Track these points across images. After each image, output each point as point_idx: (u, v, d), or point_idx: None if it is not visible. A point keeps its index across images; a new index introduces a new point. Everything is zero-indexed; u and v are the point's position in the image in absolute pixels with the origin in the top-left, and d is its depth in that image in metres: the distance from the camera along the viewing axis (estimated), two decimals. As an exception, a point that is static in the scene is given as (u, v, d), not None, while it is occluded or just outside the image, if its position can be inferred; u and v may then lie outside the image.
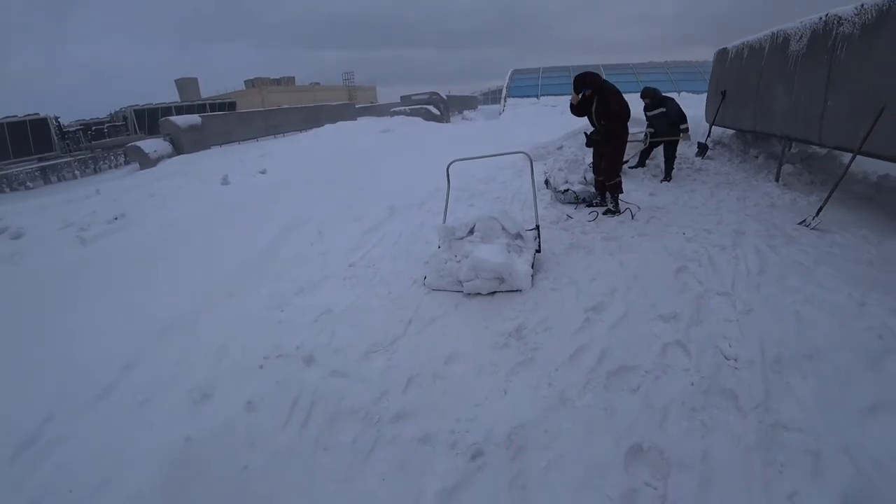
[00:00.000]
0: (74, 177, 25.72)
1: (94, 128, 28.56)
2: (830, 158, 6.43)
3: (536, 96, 24.97)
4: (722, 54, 9.19)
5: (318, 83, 72.29)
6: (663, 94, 7.18)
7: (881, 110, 4.22)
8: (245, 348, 3.01)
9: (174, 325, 3.54)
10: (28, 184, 25.28)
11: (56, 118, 27.56)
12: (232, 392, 2.57)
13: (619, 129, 5.10)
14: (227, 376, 2.73)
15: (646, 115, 7.27)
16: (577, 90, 5.02)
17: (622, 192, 5.32)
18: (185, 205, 8.06)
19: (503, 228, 3.99)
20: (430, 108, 27.41)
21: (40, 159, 25.88)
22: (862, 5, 4.85)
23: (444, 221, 4.36)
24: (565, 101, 5.88)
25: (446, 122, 26.97)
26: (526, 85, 26.44)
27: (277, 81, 67.96)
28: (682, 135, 6.82)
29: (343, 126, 22.42)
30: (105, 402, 2.73)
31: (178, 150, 20.91)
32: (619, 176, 5.30)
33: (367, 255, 4.62)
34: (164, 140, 21.29)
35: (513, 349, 2.75)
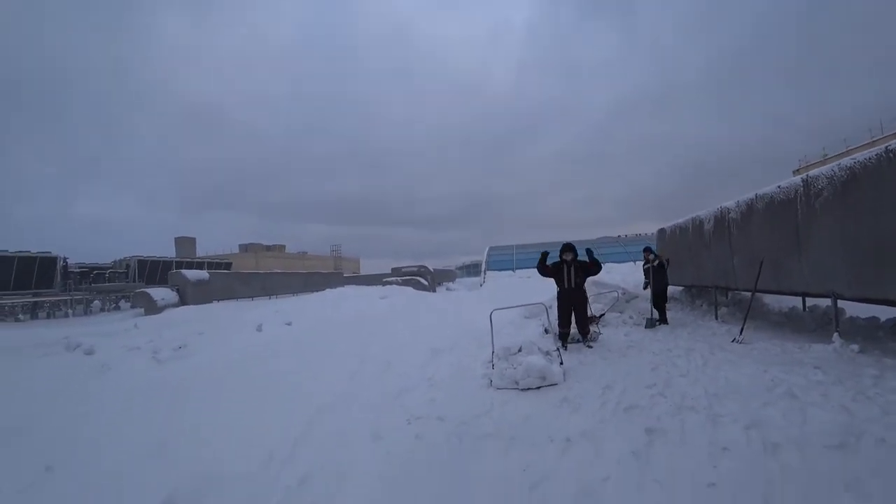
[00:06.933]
0: (66, 315, 26.61)
1: (94, 272, 30.85)
2: (754, 300, 8.85)
3: (512, 269, 28.12)
4: (661, 231, 12.29)
5: (305, 252, 77.63)
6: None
7: (761, 263, 6.68)
8: (392, 414, 4.64)
9: (331, 403, 5.20)
10: (20, 316, 25.84)
11: (65, 259, 29.81)
12: (399, 433, 4.17)
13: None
14: (391, 427, 4.33)
15: (645, 267, 9.77)
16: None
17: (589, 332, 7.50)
18: (236, 343, 9.38)
19: (539, 349, 5.94)
20: (420, 279, 30.42)
21: (35, 294, 27.05)
22: (738, 202, 7.69)
23: (493, 347, 6.24)
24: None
25: (432, 292, 29.74)
26: (502, 259, 29.87)
27: (269, 248, 72.86)
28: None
29: (343, 291, 24.32)
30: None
31: (183, 301, 22.64)
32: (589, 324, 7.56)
33: (436, 374, 6.27)
34: (172, 290, 23.28)
35: (565, 407, 4.49)
